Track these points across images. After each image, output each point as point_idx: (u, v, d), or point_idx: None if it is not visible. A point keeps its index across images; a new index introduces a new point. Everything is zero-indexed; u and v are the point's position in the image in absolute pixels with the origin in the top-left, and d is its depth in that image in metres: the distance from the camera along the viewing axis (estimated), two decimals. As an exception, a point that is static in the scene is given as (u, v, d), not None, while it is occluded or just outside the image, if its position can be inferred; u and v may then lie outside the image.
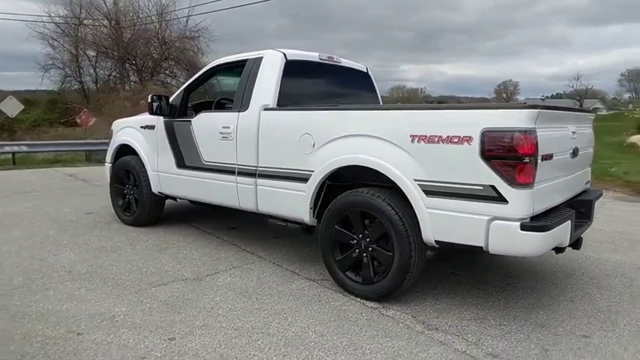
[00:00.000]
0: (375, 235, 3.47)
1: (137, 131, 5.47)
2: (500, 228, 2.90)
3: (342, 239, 3.68)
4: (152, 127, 5.24)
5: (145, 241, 5.05)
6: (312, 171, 3.75)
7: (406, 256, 3.29)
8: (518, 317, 3.33)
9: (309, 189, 3.80)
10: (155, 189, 5.31)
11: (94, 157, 13.51)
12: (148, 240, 5.07)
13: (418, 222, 3.23)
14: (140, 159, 5.39)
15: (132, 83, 24.63)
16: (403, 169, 3.23)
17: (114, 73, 24.66)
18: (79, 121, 15.86)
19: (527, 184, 2.86)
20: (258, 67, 4.32)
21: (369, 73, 5.34)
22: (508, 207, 2.87)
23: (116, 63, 24.08)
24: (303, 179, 3.83)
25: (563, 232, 3.10)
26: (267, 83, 4.22)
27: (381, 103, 5.50)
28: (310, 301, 3.56)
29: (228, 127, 4.37)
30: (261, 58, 4.36)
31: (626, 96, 58.77)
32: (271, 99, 4.19)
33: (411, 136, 3.20)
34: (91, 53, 23.89)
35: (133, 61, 23.73)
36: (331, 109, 3.96)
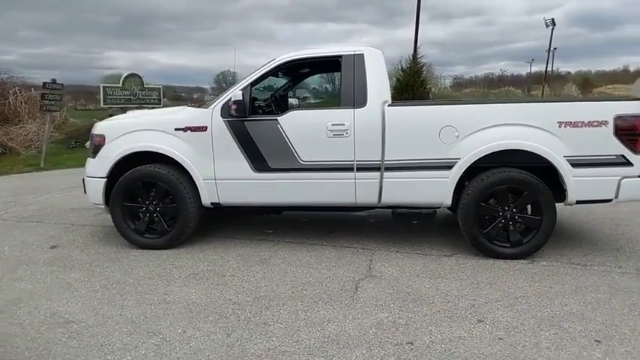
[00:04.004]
0: (522, 205, 4.28)
1: (169, 135, 4.56)
2: (629, 183, 4.16)
3: (486, 214, 4.34)
4: (202, 129, 4.51)
5: (224, 259, 4.42)
6: (458, 158, 4.24)
7: (554, 217, 4.25)
8: (604, 247, 4.68)
9: (454, 175, 4.27)
10: (208, 200, 4.61)
11: None
12: (226, 258, 4.46)
13: (565, 189, 4.21)
14: (182, 167, 4.55)
15: None
16: (554, 149, 4.15)
17: None
18: None
19: (640, 152, 4.21)
20: (363, 64, 4.43)
21: None
22: (633, 168, 4.16)
23: None
24: (447, 167, 4.27)
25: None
26: (381, 80, 4.44)
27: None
28: (484, 270, 4.10)
29: (343, 125, 4.33)
30: (362, 54, 4.47)
31: (325, 86, 69.66)
32: (388, 95, 4.43)
33: (558, 122, 4.14)
34: None
35: None
36: (476, 102, 4.50)
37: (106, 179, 4.70)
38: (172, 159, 4.57)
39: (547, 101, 4.88)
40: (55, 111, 12.47)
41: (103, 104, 16.23)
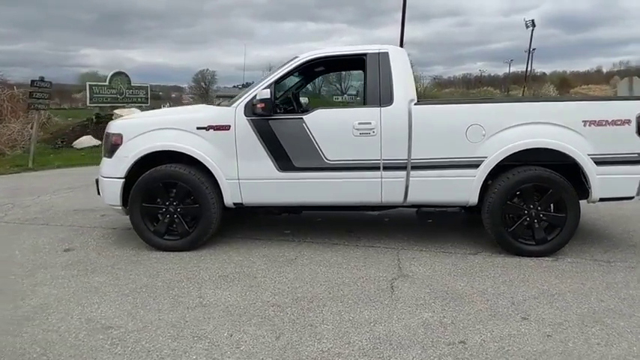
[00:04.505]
0: (547, 203, 4.32)
1: (191, 134, 4.46)
2: (650, 181, 4.26)
3: (512, 212, 4.38)
4: (225, 128, 4.43)
5: (250, 261, 4.36)
6: (485, 157, 4.26)
7: (578, 214, 4.30)
8: (621, 244, 4.77)
9: (481, 173, 4.29)
10: (231, 200, 4.53)
11: None
12: (251, 259, 4.39)
13: (588, 187, 4.27)
14: (203, 167, 4.46)
15: None
16: (580, 147, 4.20)
17: None
18: None
19: (662, 150, 4.29)
20: (388, 63, 4.41)
21: None
22: (654, 166, 4.25)
23: None
24: (474, 165, 4.29)
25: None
26: (407, 78, 4.43)
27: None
28: (513, 267, 4.12)
29: (369, 123, 4.31)
30: (387, 53, 4.45)
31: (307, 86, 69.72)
32: (414, 93, 4.42)
33: (583, 121, 4.19)
34: None
35: None
36: (503, 101, 4.52)
37: (123, 180, 4.56)
38: (193, 158, 4.48)
39: (572, 100, 4.95)
40: (44, 109, 12.13)
41: (89, 103, 15.92)
